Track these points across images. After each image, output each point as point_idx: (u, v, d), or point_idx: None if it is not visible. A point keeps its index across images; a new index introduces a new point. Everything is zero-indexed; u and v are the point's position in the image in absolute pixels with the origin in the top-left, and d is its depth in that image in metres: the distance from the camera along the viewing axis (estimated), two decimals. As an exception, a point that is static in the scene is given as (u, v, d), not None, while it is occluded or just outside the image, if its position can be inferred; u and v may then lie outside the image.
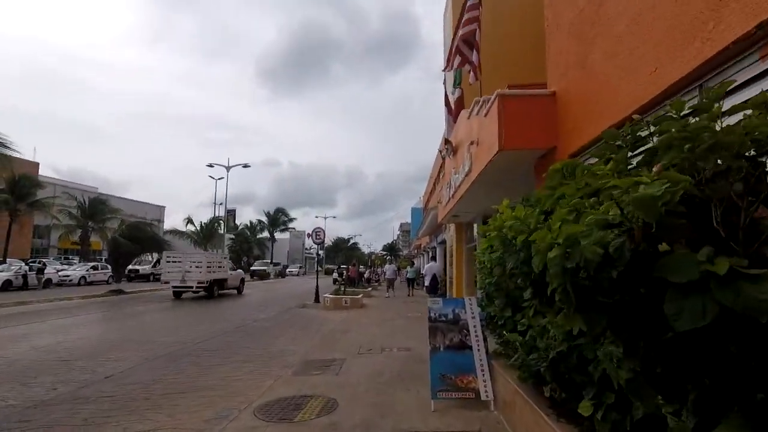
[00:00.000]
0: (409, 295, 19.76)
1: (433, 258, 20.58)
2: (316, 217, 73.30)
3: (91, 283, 25.72)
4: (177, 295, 16.96)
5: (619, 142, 2.16)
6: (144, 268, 32.11)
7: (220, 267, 18.22)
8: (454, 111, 7.77)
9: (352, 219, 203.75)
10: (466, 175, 6.54)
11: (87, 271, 27.22)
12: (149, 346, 7.48)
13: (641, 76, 3.09)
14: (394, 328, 10.00)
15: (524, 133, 4.47)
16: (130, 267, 32.60)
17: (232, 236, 58.60)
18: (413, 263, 24.15)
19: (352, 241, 78.64)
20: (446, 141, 7.65)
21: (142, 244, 18.66)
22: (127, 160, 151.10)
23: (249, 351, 7.25)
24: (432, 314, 4.68)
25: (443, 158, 9.34)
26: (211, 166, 32.13)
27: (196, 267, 16.74)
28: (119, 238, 18.12)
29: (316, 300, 15.90)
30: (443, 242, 18.19)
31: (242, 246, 58.43)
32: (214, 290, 17.31)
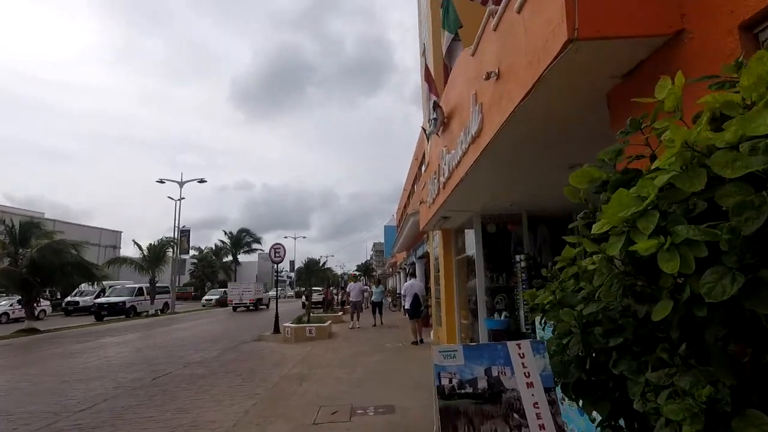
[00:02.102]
0: (374, 325, 14.55)
1: (412, 275, 18.05)
2: (285, 237, 69.67)
3: (16, 320, 21.56)
4: (235, 308, 26.70)
5: None
6: (85, 300, 27.90)
7: (259, 291, 28.34)
8: (443, 68, 5.60)
9: (326, 240, 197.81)
10: (473, 142, 4.31)
11: (11, 306, 23.02)
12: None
13: None
14: (368, 368, 7.50)
15: (617, 6, 2.28)
16: (69, 299, 28.38)
17: (195, 260, 53.98)
18: (379, 281, 19.97)
19: (323, 262, 75.08)
20: (435, 105, 5.43)
21: (60, 270, 15.26)
22: (91, 187, 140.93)
23: (145, 427, 4.59)
24: (445, 380, 2.27)
25: (428, 136, 7.14)
26: (161, 182, 28.57)
27: (248, 291, 27.04)
28: (9, 267, 14.70)
29: (276, 330, 13.13)
30: (423, 256, 15.88)
31: (204, 271, 53.96)
32: (258, 305, 27.34)
